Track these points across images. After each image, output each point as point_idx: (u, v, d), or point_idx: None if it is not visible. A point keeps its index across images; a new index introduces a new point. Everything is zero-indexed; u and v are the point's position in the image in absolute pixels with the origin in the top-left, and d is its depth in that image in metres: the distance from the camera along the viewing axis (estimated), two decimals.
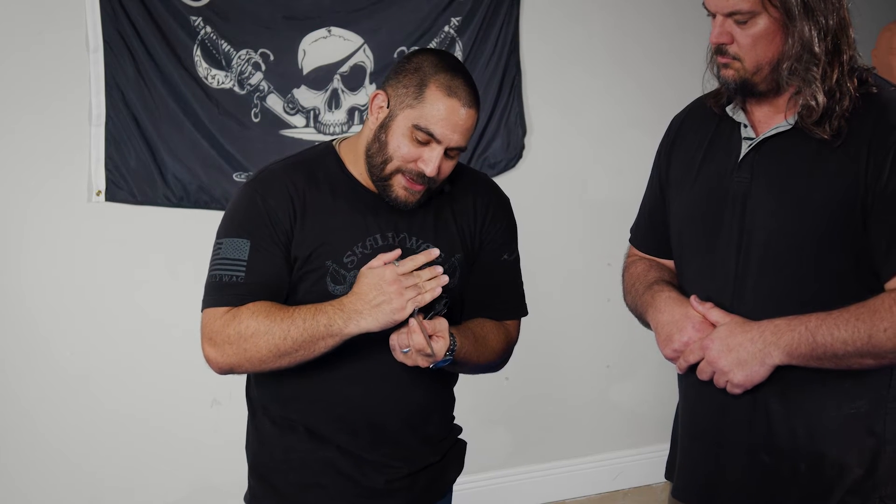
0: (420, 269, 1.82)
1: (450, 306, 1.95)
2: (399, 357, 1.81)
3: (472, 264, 1.99)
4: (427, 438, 1.98)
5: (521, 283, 2.08)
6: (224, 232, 1.89)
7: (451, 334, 1.83)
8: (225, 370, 1.86)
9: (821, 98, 1.68)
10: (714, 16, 1.73)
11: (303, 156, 1.98)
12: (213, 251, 1.90)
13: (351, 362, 1.87)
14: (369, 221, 1.89)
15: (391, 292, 1.76)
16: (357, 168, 1.92)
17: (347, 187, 1.92)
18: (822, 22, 1.68)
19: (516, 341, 2.07)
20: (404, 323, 1.79)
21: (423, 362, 1.79)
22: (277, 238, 1.86)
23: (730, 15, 1.69)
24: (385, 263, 1.80)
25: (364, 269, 1.81)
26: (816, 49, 1.68)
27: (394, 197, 1.87)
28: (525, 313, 2.08)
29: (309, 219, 1.87)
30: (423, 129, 1.81)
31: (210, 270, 1.88)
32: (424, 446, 1.98)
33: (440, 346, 1.79)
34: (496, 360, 2.01)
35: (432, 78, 1.82)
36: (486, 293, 2.01)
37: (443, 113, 1.80)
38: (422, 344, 1.76)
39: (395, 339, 1.81)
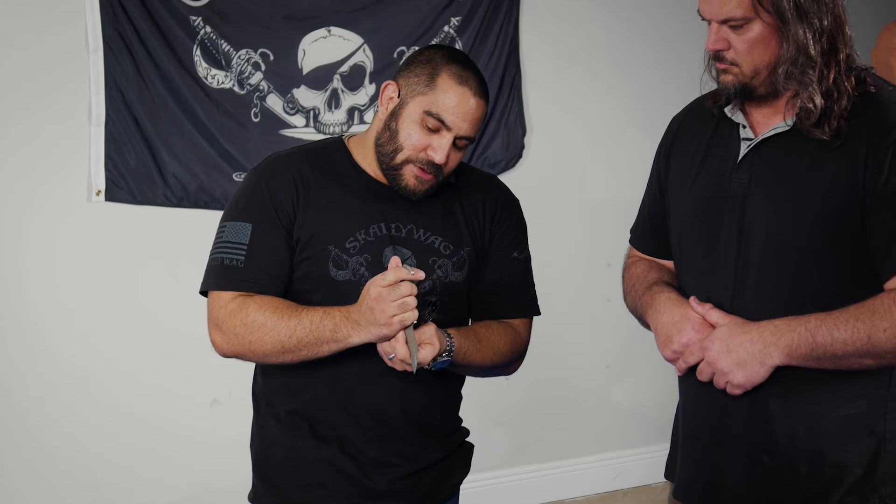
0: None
1: (458, 300, 1.96)
2: (388, 363, 1.81)
3: (482, 261, 1.99)
4: (430, 434, 1.98)
5: (532, 283, 2.07)
6: (227, 216, 1.92)
7: (448, 334, 1.83)
8: (229, 356, 1.89)
9: (818, 100, 1.68)
10: (709, 22, 1.73)
11: (311, 145, 2.02)
12: (217, 235, 1.92)
13: (356, 356, 1.87)
14: (373, 210, 1.90)
15: (375, 309, 1.74)
16: (366, 160, 1.94)
17: (354, 177, 1.93)
18: (816, 24, 1.67)
19: (527, 342, 2.05)
20: None
21: (407, 368, 1.79)
22: (279, 221, 1.87)
23: (724, 22, 1.70)
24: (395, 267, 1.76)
25: (369, 281, 1.78)
26: (812, 51, 1.68)
27: (403, 185, 1.88)
28: (537, 313, 2.07)
29: (312, 202, 1.89)
30: (434, 116, 1.83)
31: (212, 253, 1.91)
32: (428, 441, 1.97)
33: (426, 354, 1.78)
34: (503, 362, 1.99)
35: (444, 67, 1.85)
36: (496, 291, 2.00)
37: (454, 100, 1.83)
38: (404, 355, 1.76)
39: (380, 347, 1.81)
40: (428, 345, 1.79)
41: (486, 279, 2.00)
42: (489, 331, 1.96)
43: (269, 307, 1.82)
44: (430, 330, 1.81)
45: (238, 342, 1.84)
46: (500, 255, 2.01)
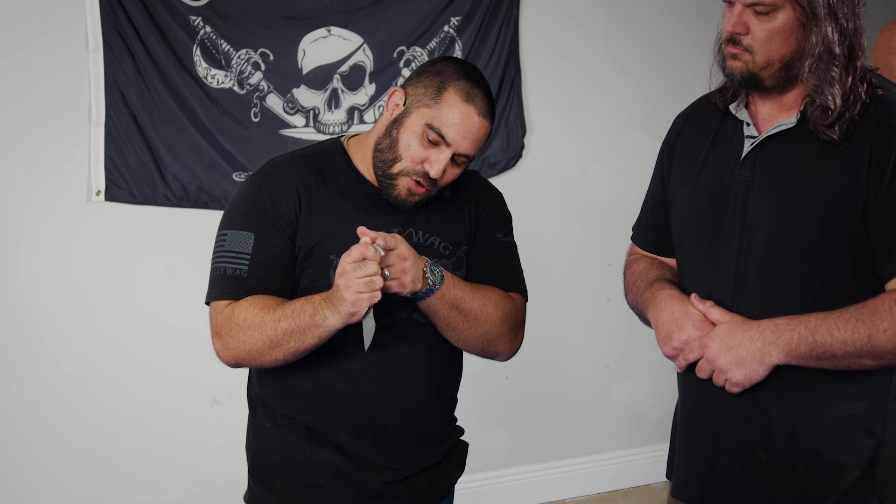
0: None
1: None
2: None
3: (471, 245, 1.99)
4: (427, 441, 1.98)
5: (520, 267, 2.05)
6: (228, 223, 1.89)
7: (437, 264, 1.82)
8: (231, 363, 1.87)
9: (839, 101, 1.68)
10: (732, 3, 1.72)
11: (309, 150, 2.00)
12: (217, 243, 1.90)
13: (351, 362, 1.87)
14: (374, 218, 1.89)
15: (341, 285, 1.71)
16: (364, 164, 1.93)
17: (353, 183, 1.93)
18: (843, 25, 1.68)
19: (523, 316, 2.01)
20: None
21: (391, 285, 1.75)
22: (282, 230, 1.86)
23: (751, 5, 1.69)
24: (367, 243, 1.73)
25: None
26: (836, 50, 1.68)
27: (394, 195, 1.87)
28: (524, 292, 2.03)
29: (314, 211, 1.88)
30: (435, 130, 1.82)
31: (214, 263, 1.89)
32: (424, 448, 1.98)
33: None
34: (499, 322, 1.93)
35: (453, 82, 1.84)
36: (484, 267, 1.98)
37: (457, 117, 1.82)
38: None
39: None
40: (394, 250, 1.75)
41: (475, 259, 1.98)
42: (486, 288, 1.93)
43: (258, 304, 1.81)
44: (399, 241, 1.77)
45: (235, 345, 1.82)
46: (485, 235, 2.00)
